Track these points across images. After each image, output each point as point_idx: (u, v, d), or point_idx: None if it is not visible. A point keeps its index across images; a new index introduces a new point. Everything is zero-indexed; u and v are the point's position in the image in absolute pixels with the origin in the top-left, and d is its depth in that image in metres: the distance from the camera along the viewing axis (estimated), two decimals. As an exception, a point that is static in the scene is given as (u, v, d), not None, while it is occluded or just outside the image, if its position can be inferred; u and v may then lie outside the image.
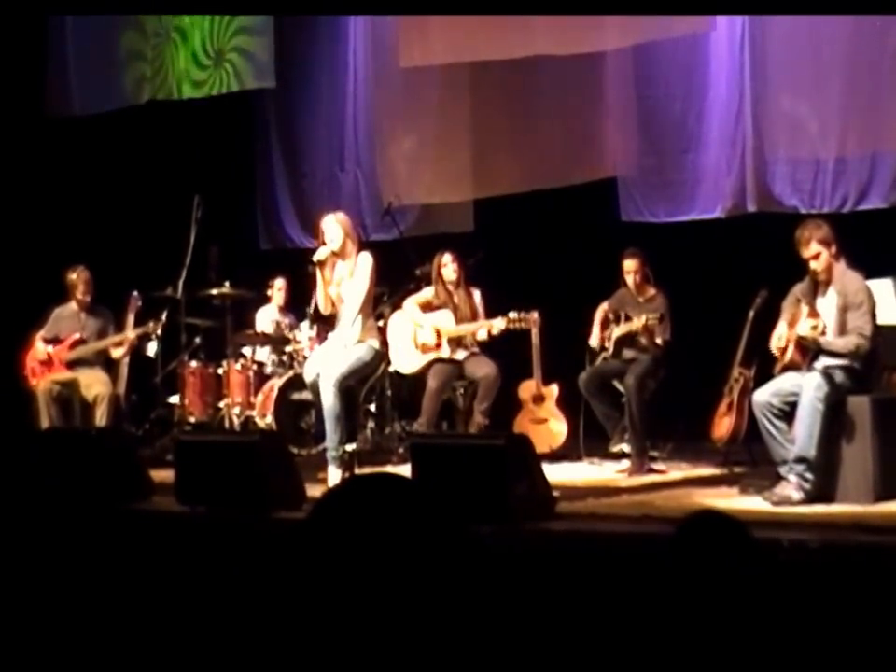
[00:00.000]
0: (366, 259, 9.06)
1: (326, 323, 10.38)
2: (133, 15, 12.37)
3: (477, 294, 10.38)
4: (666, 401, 9.80)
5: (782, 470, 7.74)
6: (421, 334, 10.38)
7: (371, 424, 11.19)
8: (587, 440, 10.18)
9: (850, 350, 7.75)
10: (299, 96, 13.06)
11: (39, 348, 10.99)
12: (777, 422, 7.80)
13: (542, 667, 3.89)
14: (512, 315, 10.14)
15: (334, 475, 8.77)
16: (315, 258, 9.06)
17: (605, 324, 10.15)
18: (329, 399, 8.79)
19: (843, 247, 7.97)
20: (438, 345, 10.32)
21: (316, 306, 9.58)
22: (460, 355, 10.27)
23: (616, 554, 6.09)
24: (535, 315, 10.60)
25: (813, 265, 7.92)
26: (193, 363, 11.59)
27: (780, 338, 7.97)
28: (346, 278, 9.08)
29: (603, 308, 10.19)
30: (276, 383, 11.23)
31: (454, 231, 11.83)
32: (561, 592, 5.38)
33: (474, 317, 10.30)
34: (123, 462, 8.77)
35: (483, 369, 10.05)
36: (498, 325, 10.16)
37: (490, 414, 9.95)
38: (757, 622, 2.54)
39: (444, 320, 10.35)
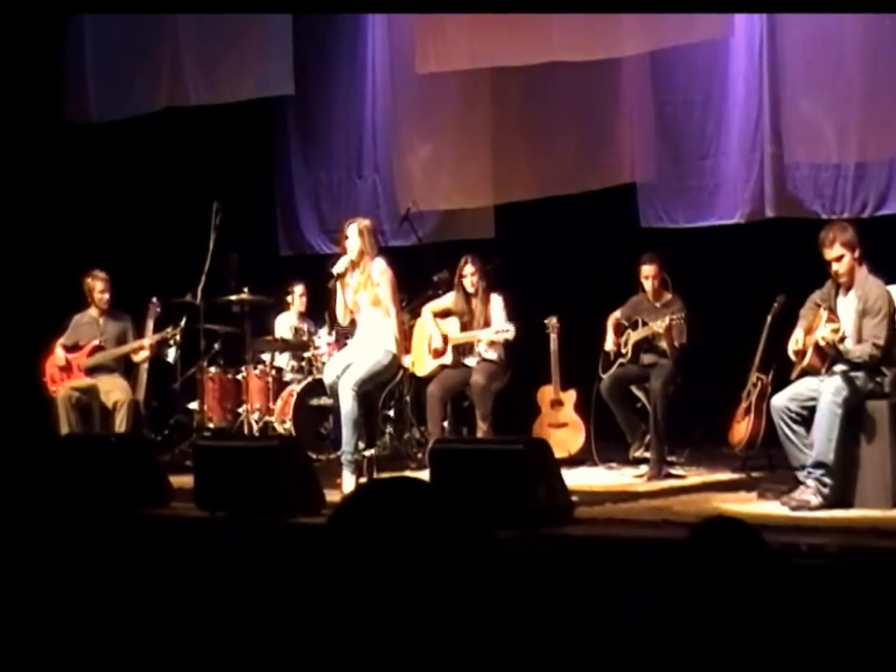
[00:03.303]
0: (379, 266, 9.10)
1: (344, 329, 10.41)
2: (149, 22, 12.39)
3: (499, 301, 10.35)
4: (684, 406, 9.79)
5: (800, 475, 7.73)
6: (434, 340, 10.44)
7: (389, 429, 11.20)
8: (606, 445, 10.18)
9: (864, 360, 7.75)
10: (317, 102, 13.07)
11: (59, 355, 11.03)
12: (794, 426, 7.80)
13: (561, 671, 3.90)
14: (496, 327, 10.11)
15: (349, 480, 8.78)
16: (335, 270, 9.09)
17: (618, 331, 10.17)
18: (347, 404, 8.81)
19: (865, 253, 7.97)
20: (444, 352, 10.36)
21: (335, 316, 9.61)
22: (471, 361, 10.30)
23: (634, 559, 6.09)
24: (553, 319, 10.62)
25: (835, 267, 7.91)
26: (212, 369, 11.61)
27: (797, 341, 7.97)
28: (361, 287, 9.11)
29: (615, 316, 10.21)
30: (295, 388, 11.24)
31: (474, 237, 11.82)
32: (579, 596, 5.39)
33: (487, 325, 10.30)
34: (142, 468, 8.80)
35: (475, 376, 10.06)
36: (486, 337, 10.16)
37: (491, 420, 9.94)
38: (769, 627, 2.55)
39: (451, 328, 10.39)
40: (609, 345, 10.14)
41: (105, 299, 11.15)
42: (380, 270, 9.09)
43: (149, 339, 11.10)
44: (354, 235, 9.11)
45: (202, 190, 11.94)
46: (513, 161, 11.72)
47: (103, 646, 4.05)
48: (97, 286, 11.11)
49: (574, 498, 7.70)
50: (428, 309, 10.60)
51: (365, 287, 9.11)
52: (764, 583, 2.61)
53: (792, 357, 8.02)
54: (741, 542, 2.69)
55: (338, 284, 9.16)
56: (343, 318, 9.42)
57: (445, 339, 10.39)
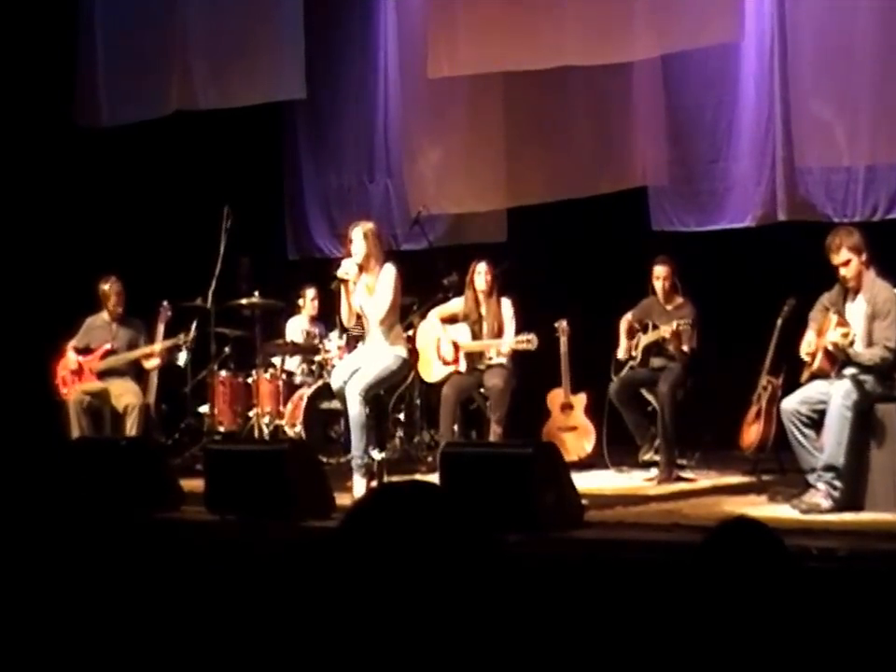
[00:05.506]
0: (388, 272, 9.08)
1: (356, 333, 10.42)
2: (159, 26, 12.43)
3: (508, 304, 10.37)
4: (695, 410, 9.80)
5: (811, 478, 7.73)
6: (443, 346, 10.43)
7: (399, 433, 11.21)
8: (616, 448, 10.17)
9: (876, 362, 7.75)
10: (328, 106, 13.08)
11: (70, 358, 11.04)
12: (805, 430, 7.80)
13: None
14: (519, 337, 10.14)
15: (359, 484, 8.79)
16: (339, 273, 9.08)
17: (630, 334, 10.16)
18: (354, 408, 8.82)
19: (873, 256, 7.97)
20: (456, 360, 10.36)
21: (342, 319, 9.63)
22: (482, 365, 10.31)
23: (645, 563, 6.09)
24: (563, 323, 10.62)
25: (843, 272, 7.92)
26: (223, 373, 11.62)
27: (810, 343, 7.97)
28: (370, 291, 9.10)
29: (627, 318, 10.19)
30: (305, 392, 11.24)
31: (487, 240, 11.82)
32: (589, 600, 5.39)
33: (500, 330, 10.31)
34: (153, 471, 8.81)
35: (492, 379, 10.08)
36: (505, 346, 10.18)
37: (505, 423, 9.96)
38: (786, 632, 2.55)
39: (462, 336, 10.38)
40: (621, 353, 10.12)
41: (119, 312, 11.15)
42: (387, 277, 9.07)
43: (160, 343, 11.10)
44: (359, 239, 9.08)
45: (212, 194, 11.96)
46: (525, 164, 11.71)
47: (112, 650, 4.06)
48: (112, 297, 11.09)
49: (584, 502, 7.70)
50: (436, 314, 10.60)
51: (373, 291, 9.10)
52: (783, 586, 2.61)
53: (806, 358, 8.02)
54: (761, 544, 2.69)
55: (341, 287, 9.15)
56: (348, 321, 9.43)
57: (457, 347, 10.37)
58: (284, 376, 11.53)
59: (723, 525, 2.78)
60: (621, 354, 10.12)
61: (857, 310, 7.93)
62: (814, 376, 7.96)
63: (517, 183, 11.78)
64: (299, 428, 11.04)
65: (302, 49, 12.04)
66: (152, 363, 11.08)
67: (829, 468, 7.60)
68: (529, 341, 10.02)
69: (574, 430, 10.65)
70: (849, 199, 10.40)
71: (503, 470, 7.31)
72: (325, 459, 9.97)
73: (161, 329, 11.20)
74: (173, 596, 5.01)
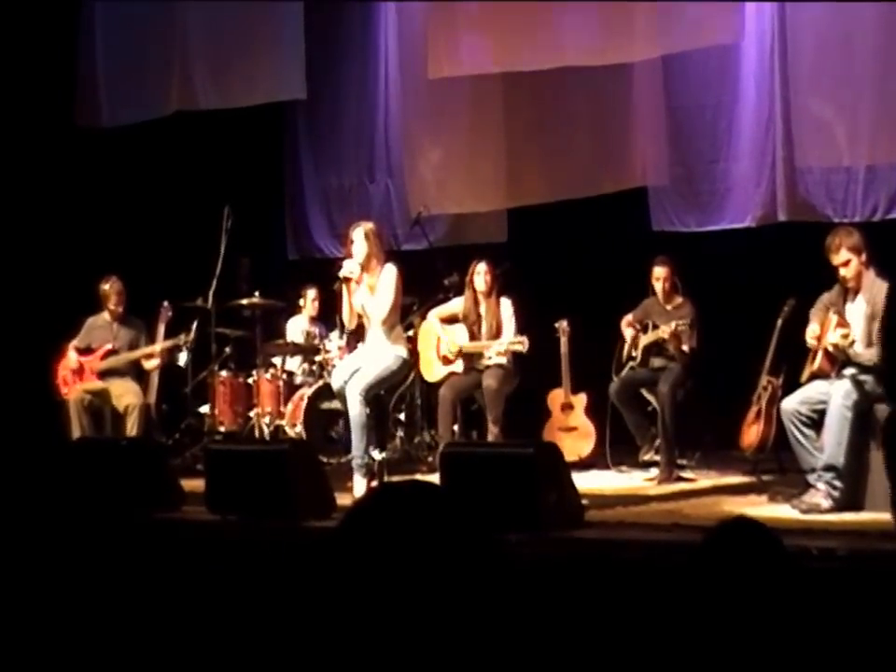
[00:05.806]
0: (390, 272, 9.09)
1: (356, 333, 10.42)
2: (160, 26, 12.44)
3: (508, 304, 10.35)
4: (695, 410, 9.80)
5: (811, 478, 7.73)
6: (443, 346, 10.44)
7: (400, 433, 11.21)
8: (616, 448, 10.17)
9: (875, 363, 7.75)
10: (329, 106, 13.08)
11: (71, 358, 11.04)
12: (805, 430, 7.80)
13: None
14: (512, 339, 10.13)
15: (359, 484, 8.79)
16: (342, 274, 9.08)
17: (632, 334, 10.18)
18: (354, 408, 8.83)
19: (872, 256, 7.97)
20: (454, 360, 10.36)
21: (342, 320, 9.63)
22: (480, 366, 10.31)
23: (645, 563, 6.09)
24: (564, 323, 10.62)
25: (843, 272, 7.92)
26: (223, 373, 11.61)
27: (815, 330, 7.96)
28: (371, 291, 9.11)
29: (627, 319, 10.20)
30: (306, 392, 11.24)
31: (487, 241, 11.83)
32: (590, 600, 5.39)
33: (498, 330, 10.30)
34: (154, 471, 8.80)
35: (487, 380, 10.07)
36: (496, 349, 10.19)
37: (503, 423, 9.96)
38: (786, 632, 2.55)
39: (459, 336, 10.39)
40: (628, 339, 10.11)
41: (119, 312, 11.16)
42: (388, 277, 9.08)
43: (161, 344, 11.10)
44: (360, 239, 9.09)
45: (212, 194, 11.96)
46: (525, 164, 11.73)
47: (113, 649, 4.06)
48: (112, 297, 11.08)
49: (584, 502, 7.70)
50: (435, 314, 10.61)
51: (374, 291, 9.11)
52: (782, 586, 2.62)
53: (812, 343, 7.99)
54: (760, 544, 2.69)
55: (343, 287, 9.16)
56: (349, 322, 9.43)
57: (454, 347, 10.38)
58: (284, 376, 11.53)
59: (723, 524, 2.79)
60: (628, 339, 10.11)
61: (856, 310, 7.93)
62: (814, 376, 7.97)
63: (517, 183, 11.79)
64: (299, 428, 11.04)
65: (302, 49, 12.04)
66: (153, 363, 11.09)
67: (829, 468, 7.60)
68: (521, 342, 10.01)
69: (574, 430, 10.65)
70: (849, 199, 10.40)
71: (504, 471, 7.31)
72: (325, 459, 9.97)
73: (161, 329, 11.20)
74: (173, 596, 5.01)
